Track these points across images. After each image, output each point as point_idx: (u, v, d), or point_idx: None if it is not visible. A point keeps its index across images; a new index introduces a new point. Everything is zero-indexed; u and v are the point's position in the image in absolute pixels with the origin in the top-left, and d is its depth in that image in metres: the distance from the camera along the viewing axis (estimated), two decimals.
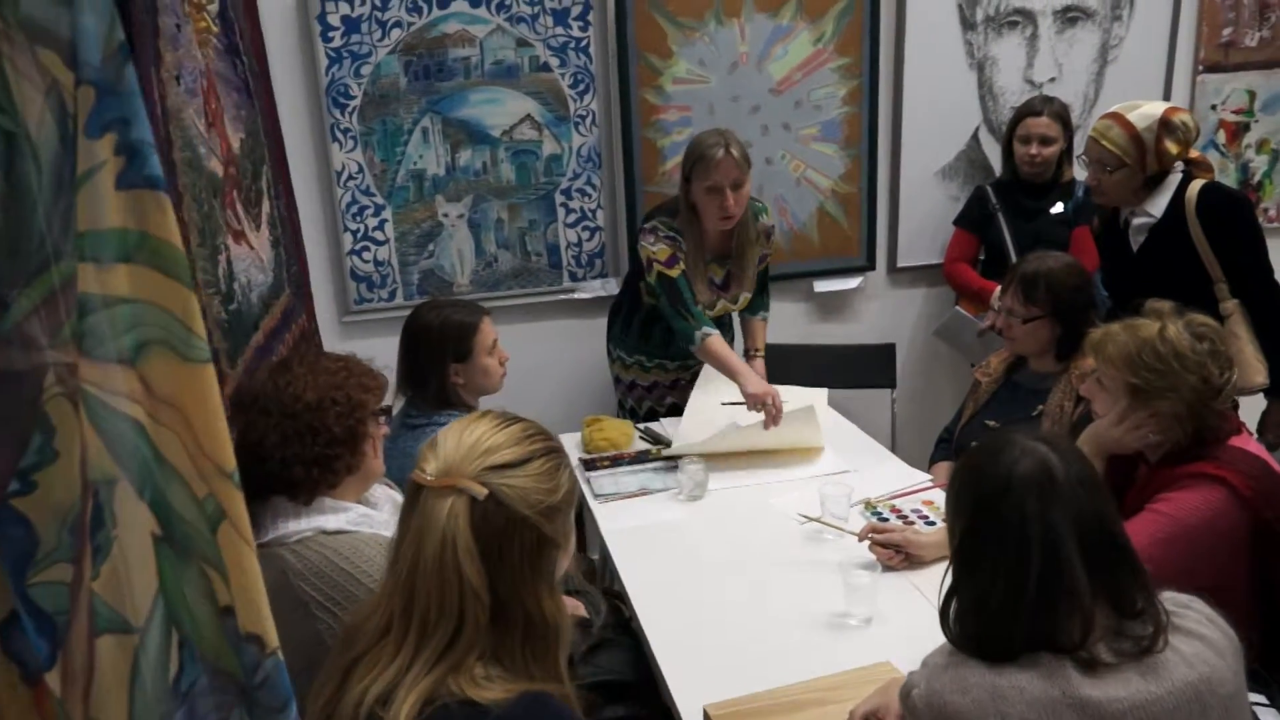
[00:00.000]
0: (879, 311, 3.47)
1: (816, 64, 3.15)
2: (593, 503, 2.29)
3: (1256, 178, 3.68)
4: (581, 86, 2.99)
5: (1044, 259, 2.30)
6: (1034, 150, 3.00)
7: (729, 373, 2.53)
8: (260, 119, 2.13)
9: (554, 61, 2.96)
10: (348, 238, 2.96)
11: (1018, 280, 2.29)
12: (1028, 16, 3.29)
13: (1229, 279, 2.40)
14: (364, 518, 1.58)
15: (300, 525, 1.53)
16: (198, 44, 1.62)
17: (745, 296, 2.74)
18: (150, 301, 0.80)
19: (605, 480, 2.37)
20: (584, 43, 2.96)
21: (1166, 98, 3.47)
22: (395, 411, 2.25)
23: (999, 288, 3.03)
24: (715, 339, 2.55)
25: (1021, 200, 3.11)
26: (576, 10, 2.93)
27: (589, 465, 2.45)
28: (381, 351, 2.20)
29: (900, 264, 3.43)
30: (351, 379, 1.59)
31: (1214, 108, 3.56)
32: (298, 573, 1.49)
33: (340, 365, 1.60)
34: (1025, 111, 3.04)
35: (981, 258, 3.27)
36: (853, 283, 3.39)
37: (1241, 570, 1.62)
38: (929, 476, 2.33)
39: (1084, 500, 1.13)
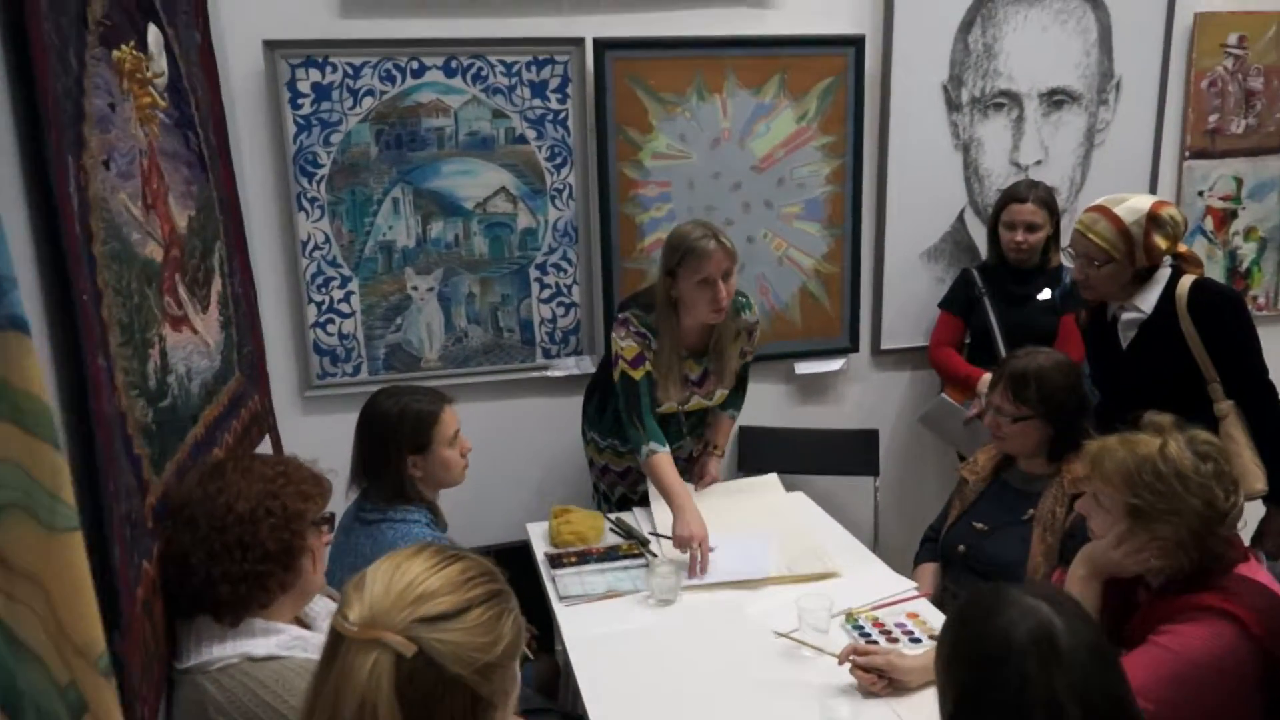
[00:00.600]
0: (862, 395, 3.37)
1: (799, 142, 3.09)
2: (556, 606, 2.14)
3: (1245, 265, 3.64)
4: (559, 159, 2.91)
5: (1034, 356, 2.21)
6: (1020, 237, 2.94)
7: (668, 500, 2.39)
8: (215, 192, 2.02)
9: (531, 134, 2.87)
10: (312, 309, 2.84)
11: (1007, 378, 2.19)
12: (1013, 99, 3.25)
13: (1223, 379, 2.31)
14: (297, 640, 1.44)
15: (225, 650, 1.38)
16: (139, 121, 1.51)
17: (722, 393, 2.64)
18: (8, 460, 0.67)
19: (571, 580, 2.22)
20: (562, 115, 2.88)
21: (1153, 183, 3.44)
22: (348, 503, 2.11)
23: (985, 376, 2.97)
24: (661, 458, 2.44)
25: (1008, 285, 3.03)
26: (555, 83, 2.85)
27: (555, 561, 2.31)
28: (343, 429, 2.09)
29: (884, 346, 3.34)
30: (289, 486, 1.46)
31: (1201, 194, 3.52)
32: (218, 706, 1.34)
33: (278, 471, 1.47)
34: (1010, 197, 2.97)
35: (967, 341, 3.18)
36: (835, 365, 3.29)
37: (1252, 713, 1.49)
38: (914, 585, 2.20)
39: (1091, 672, 1.01)
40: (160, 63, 1.64)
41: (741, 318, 2.59)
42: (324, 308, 2.84)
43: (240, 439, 2.04)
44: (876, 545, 3.16)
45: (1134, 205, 2.32)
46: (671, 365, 2.50)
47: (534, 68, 2.83)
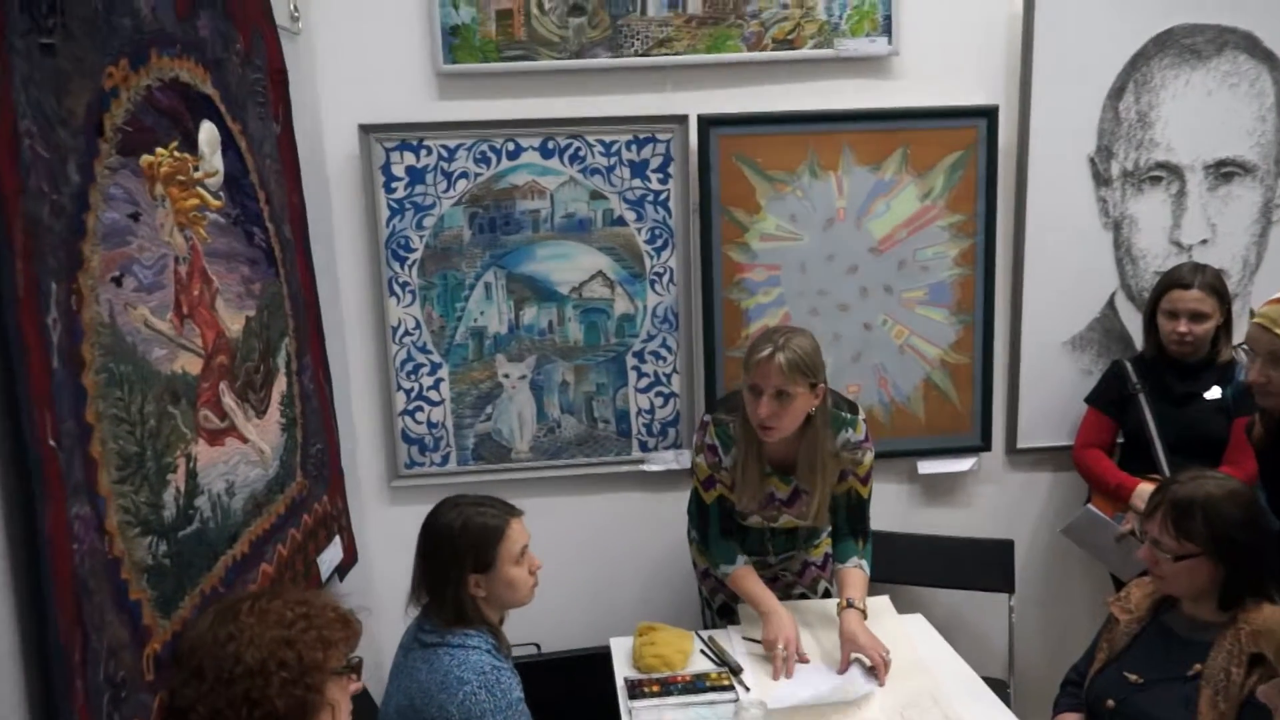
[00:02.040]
0: (995, 499, 3.02)
1: (924, 221, 2.82)
2: None
3: None
4: (659, 242, 2.74)
5: (1202, 482, 1.86)
6: (1183, 328, 2.57)
7: (755, 607, 2.26)
8: (285, 287, 1.93)
9: (630, 215, 2.72)
10: (400, 396, 2.74)
11: (1168, 507, 1.85)
12: (1173, 172, 2.89)
13: None
14: None
15: None
16: (179, 226, 1.41)
17: (818, 513, 2.30)
18: None
19: (649, 715, 1.99)
20: (663, 196, 2.72)
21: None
22: (409, 623, 1.95)
23: (1140, 486, 2.59)
24: (738, 574, 2.30)
25: (1169, 381, 2.65)
26: (656, 162, 2.70)
27: (634, 690, 2.08)
28: None
29: (1020, 444, 2.99)
30: (309, 632, 1.30)
31: None
32: None
33: (299, 614, 1.31)
34: (1171, 282, 2.61)
35: (1120, 442, 2.81)
36: (964, 464, 2.96)
37: None
38: None
39: None
40: (214, 161, 1.56)
41: (845, 435, 2.25)
42: (413, 395, 2.74)
43: (301, 547, 1.92)
44: (1011, 673, 2.80)
45: None
46: (750, 476, 2.23)
47: (634, 147, 2.69)
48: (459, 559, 1.83)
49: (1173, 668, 1.87)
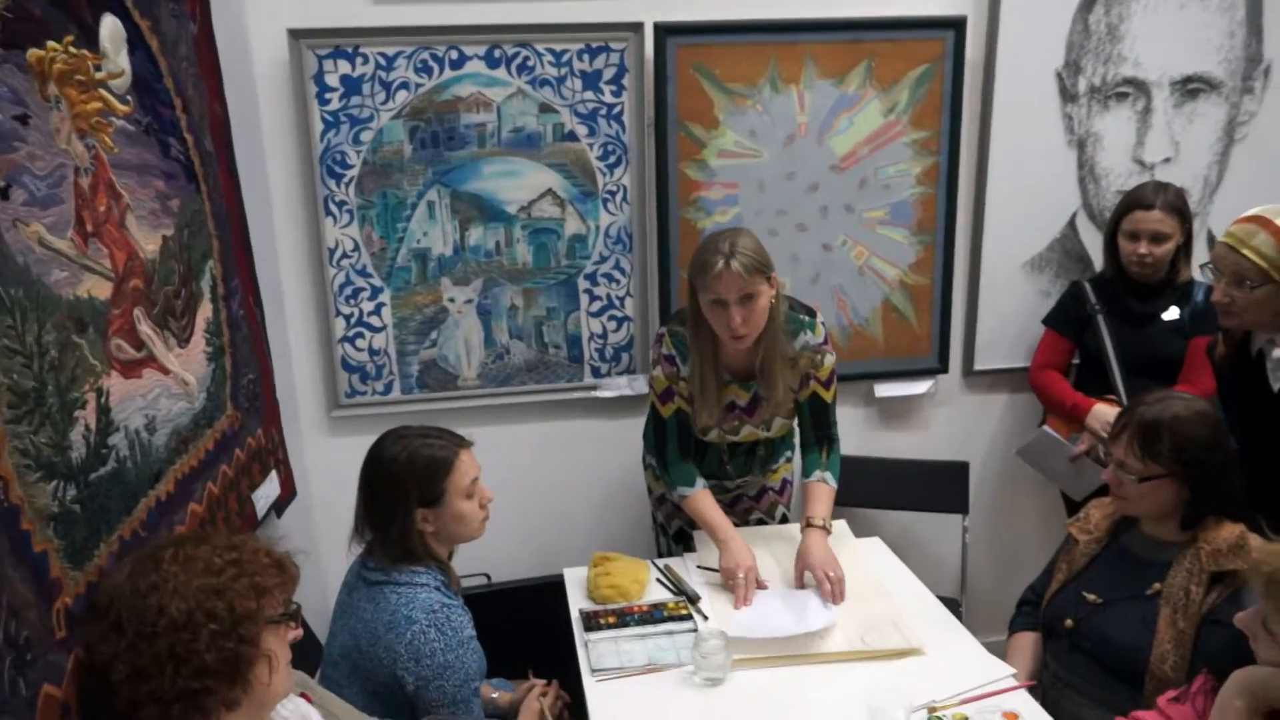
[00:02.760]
0: (951, 421, 2.99)
1: (887, 138, 2.72)
2: (588, 680, 1.86)
3: None
4: (613, 159, 2.61)
5: (1169, 403, 1.82)
6: (1144, 249, 2.53)
7: (711, 535, 2.22)
8: (208, 204, 1.78)
9: (582, 130, 2.58)
10: (340, 323, 2.60)
11: (1134, 429, 1.82)
12: (1140, 88, 2.81)
13: None
14: None
15: None
16: (79, 132, 1.26)
17: (782, 423, 2.29)
18: None
19: (606, 648, 1.94)
20: (617, 110, 2.58)
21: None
22: (352, 560, 1.87)
23: (1096, 406, 2.57)
24: (695, 499, 2.24)
25: (1128, 302, 2.62)
26: (609, 73, 2.55)
27: (589, 622, 2.03)
28: None
29: (978, 366, 2.95)
30: (241, 579, 1.20)
31: None
32: None
33: (228, 560, 1.21)
34: (1133, 202, 2.56)
35: (1075, 362, 2.79)
36: (921, 387, 2.92)
37: None
38: (1011, 671, 1.85)
39: None
40: (119, 60, 1.39)
41: (802, 337, 2.21)
42: (353, 321, 2.61)
43: (234, 483, 1.81)
44: (963, 593, 2.81)
45: None
46: (707, 388, 2.17)
47: (586, 57, 2.53)
48: (405, 493, 1.74)
49: (1132, 587, 1.86)
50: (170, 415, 1.52)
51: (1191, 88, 2.84)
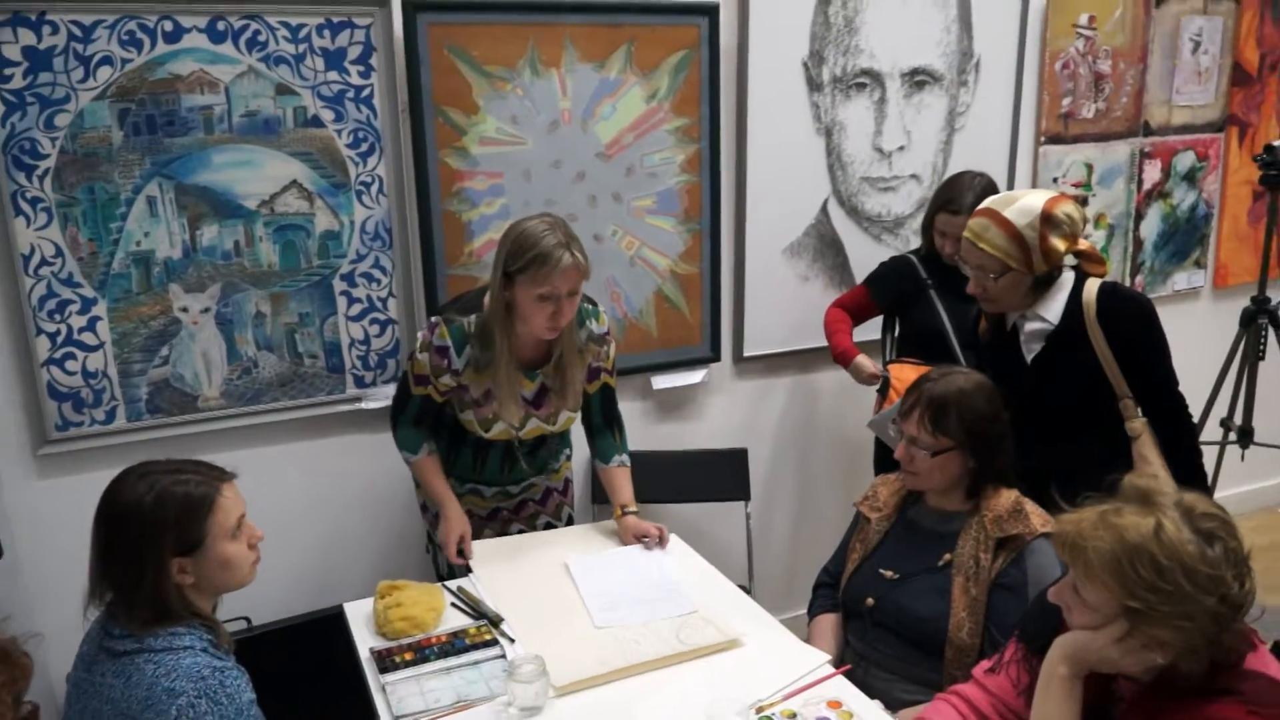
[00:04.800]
0: (727, 409, 3.02)
1: (650, 124, 2.68)
2: None
3: None
4: (364, 146, 2.37)
5: (952, 378, 1.90)
6: (950, 249, 2.54)
7: (433, 502, 2.24)
8: None
9: (327, 114, 2.32)
10: (43, 342, 2.19)
11: (924, 405, 1.87)
12: (875, 79, 2.96)
13: (1135, 393, 2.09)
14: None
15: None
16: None
17: (568, 416, 2.22)
18: None
19: (407, 689, 1.73)
20: (365, 92, 2.34)
21: (1011, 169, 3.27)
22: (88, 627, 1.54)
23: (859, 358, 2.62)
24: (422, 463, 2.22)
25: (956, 279, 2.47)
26: (355, 52, 2.31)
27: (384, 662, 1.81)
28: (95, 495, 1.49)
29: (747, 353, 3.00)
30: None
31: (1055, 180, 3.38)
32: None
33: None
34: (944, 203, 2.59)
35: (895, 336, 2.83)
36: (696, 377, 2.92)
37: None
38: (826, 657, 1.85)
39: None
40: None
41: (588, 327, 2.19)
42: (60, 339, 2.20)
43: None
44: (751, 579, 2.84)
45: (1025, 206, 2.05)
46: (509, 379, 2.09)
47: (327, 32, 2.28)
48: (156, 542, 1.45)
49: (924, 560, 1.93)
50: None
51: (918, 79, 3.03)
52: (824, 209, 2.99)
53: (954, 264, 2.58)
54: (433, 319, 2.13)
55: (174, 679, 1.41)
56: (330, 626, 2.12)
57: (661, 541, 2.24)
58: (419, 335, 2.14)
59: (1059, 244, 2.04)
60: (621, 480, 2.30)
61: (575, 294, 2.02)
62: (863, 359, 2.67)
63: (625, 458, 2.33)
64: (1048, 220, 2.03)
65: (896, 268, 2.77)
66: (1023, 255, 2.04)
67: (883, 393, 2.66)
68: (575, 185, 2.62)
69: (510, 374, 2.10)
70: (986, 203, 2.12)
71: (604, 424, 2.32)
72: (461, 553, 2.16)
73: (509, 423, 2.15)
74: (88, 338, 2.22)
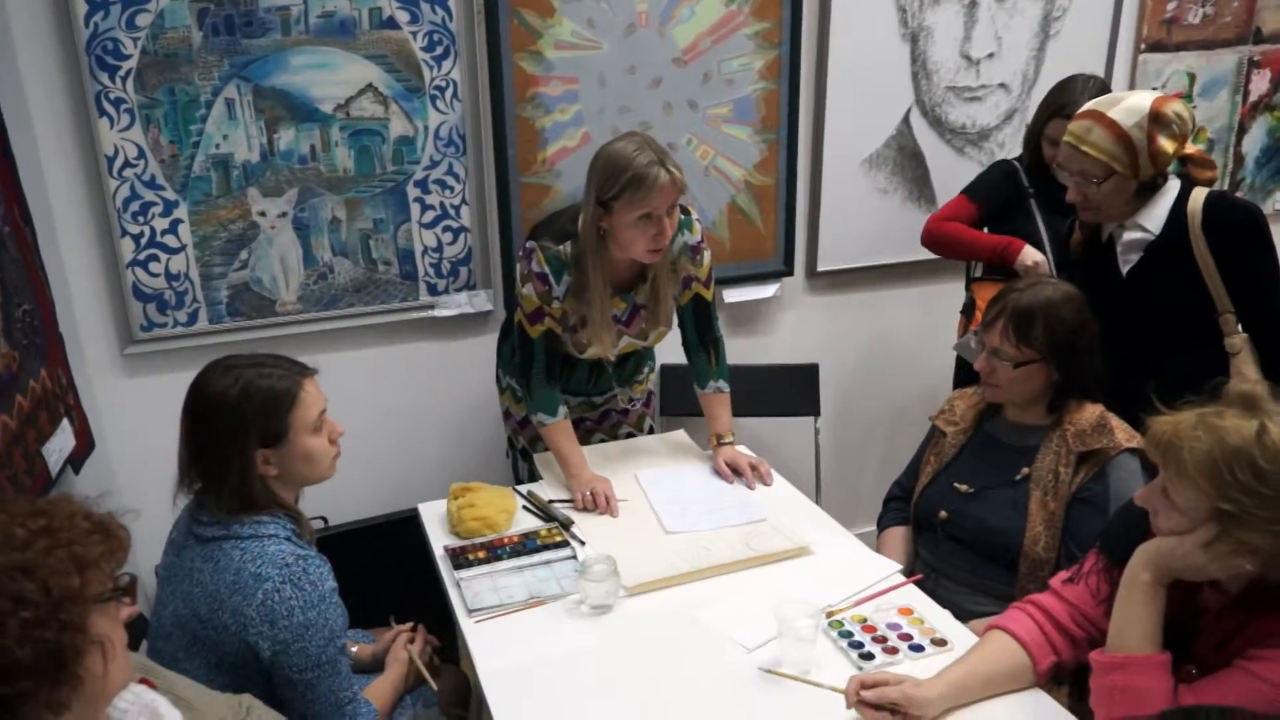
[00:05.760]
0: (798, 324, 2.97)
1: (729, 29, 2.59)
2: (464, 621, 1.70)
3: None
4: (439, 50, 2.34)
5: (1040, 288, 1.83)
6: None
7: (562, 466, 2.15)
8: None
9: (402, 16, 2.29)
10: (128, 244, 2.23)
11: (1009, 315, 1.81)
12: None
13: (1237, 308, 1.99)
14: None
15: None
16: None
17: (661, 331, 2.19)
18: None
19: (482, 585, 1.77)
20: None
21: (1108, 78, 3.09)
22: (177, 515, 1.60)
23: (1026, 249, 2.38)
24: (552, 429, 2.14)
25: (1057, 191, 2.32)
26: None
27: (458, 559, 1.85)
28: (177, 393, 1.54)
29: (821, 268, 2.93)
30: (56, 550, 0.95)
31: (1155, 90, 3.19)
32: None
33: (37, 528, 0.95)
34: (1056, 108, 2.37)
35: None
36: (768, 291, 2.87)
37: None
38: (897, 566, 1.84)
39: None
40: None
41: (681, 238, 2.11)
42: (144, 241, 2.24)
43: (18, 436, 1.48)
44: (819, 493, 2.83)
45: (1132, 105, 1.95)
46: (603, 309, 2.04)
47: None
48: (243, 433, 1.49)
49: (1001, 473, 1.89)
50: None
51: None
52: (906, 119, 2.88)
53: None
54: (528, 244, 2.09)
55: (260, 564, 1.46)
56: (405, 528, 2.18)
57: (764, 478, 2.16)
58: (519, 268, 2.10)
59: (1167, 146, 1.94)
60: (718, 407, 2.23)
61: (674, 210, 1.96)
62: (1031, 249, 2.39)
63: (722, 383, 2.24)
64: (1156, 120, 1.93)
65: (1001, 170, 2.57)
66: (1129, 158, 1.94)
67: (967, 314, 2.58)
68: (650, 92, 2.56)
69: (603, 304, 2.05)
70: (1089, 105, 2.01)
71: (698, 341, 2.23)
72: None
73: (603, 350, 2.12)
74: (170, 240, 2.26)
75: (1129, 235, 2.03)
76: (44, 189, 2.10)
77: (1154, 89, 3.17)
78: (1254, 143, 3.40)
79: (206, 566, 1.49)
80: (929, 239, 2.59)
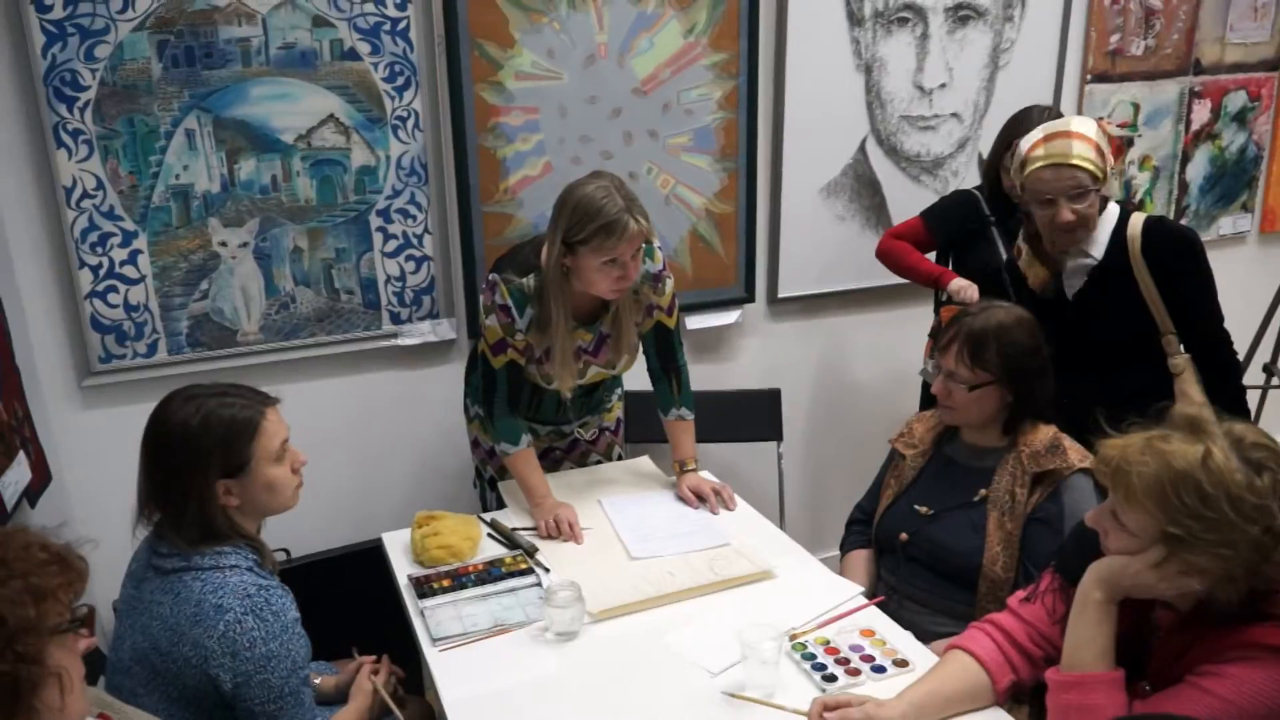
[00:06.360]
0: (759, 350, 3.01)
1: (687, 60, 2.64)
2: (429, 651, 1.69)
3: (1138, 195, 3.46)
4: (401, 80, 2.36)
5: (992, 312, 1.87)
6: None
7: (525, 494, 2.15)
8: None
9: (364, 47, 2.31)
10: (86, 275, 2.21)
11: (963, 338, 1.85)
12: (918, 13, 2.89)
13: (1179, 329, 2.06)
14: None
15: None
16: None
17: (626, 359, 2.19)
18: None
19: (445, 613, 1.77)
20: (402, 25, 2.32)
21: (1056, 108, 3.18)
22: (137, 546, 1.58)
23: (957, 280, 2.42)
24: (518, 457, 2.14)
25: (1018, 217, 2.35)
26: None
27: (421, 587, 1.85)
28: (136, 425, 1.53)
29: (781, 294, 2.97)
30: (11, 581, 0.94)
31: (1100, 120, 3.29)
32: None
33: None
34: (1015, 137, 2.33)
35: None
36: (730, 317, 2.91)
37: None
38: (859, 588, 1.86)
39: None
40: None
41: (644, 267, 2.09)
42: (102, 272, 2.22)
43: None
44: (783, 520, 2.85)
45: (1082, 121, 2.08)
46: (564, 346, 2.05)
47: None
48: (204, 463, 1.48)
49: (959, 495, 1.92)
50: None
51: (962, 14, 2.95)
52: (862, 148, 2.95)
53: (1021, 201, 2.49)
54: (490, 277, 2.09)
55: (221, 595, 1.45)
56: (368, 558, 2.16)
57: (727, 503, 2.18)
58: (484, 298, 2.09)
59: (1112, 156, 2.03)
60: (681, 435, 2.24)
61: (639, 255, 1.98)
62: (961, 280, 2.43)
63: (685, 411, 2.25)
64: (1103, 132, 2.03)
65: (960, 201, 2.62)
66: (1103, 165, 2.02)
67: (935, 337, 2.61)
68: (611, 122, 2.60)
69: (564, 341, 2.05)
70: (1047, 129, 2.06)
71: (661, 369, 2.23)
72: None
73: (565, 385, 2.12)
74: (129, 271, 2.24)
75: (1073, 261, 2.09)
76: (0, 220, 2.08)
77: (1099, 119, 3.28)
78: (1197, 170, 3.52)
79: (166, 599, 1.48)
80: (880, 252, 2.68)
